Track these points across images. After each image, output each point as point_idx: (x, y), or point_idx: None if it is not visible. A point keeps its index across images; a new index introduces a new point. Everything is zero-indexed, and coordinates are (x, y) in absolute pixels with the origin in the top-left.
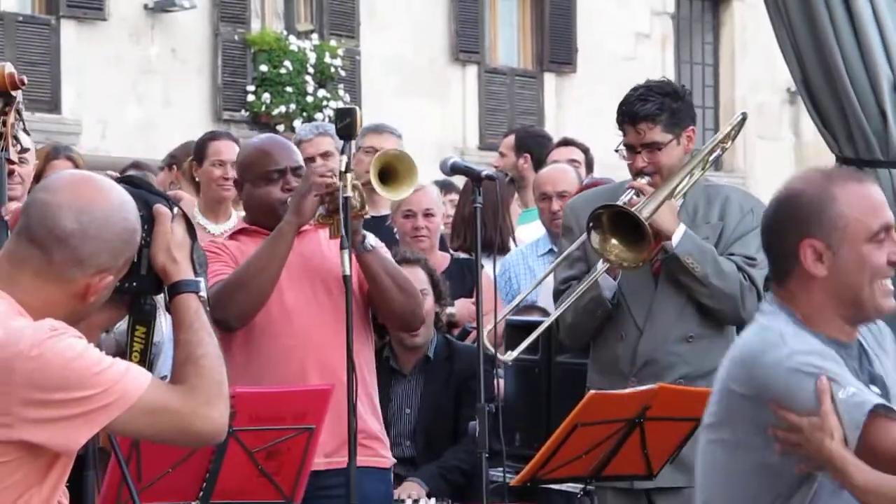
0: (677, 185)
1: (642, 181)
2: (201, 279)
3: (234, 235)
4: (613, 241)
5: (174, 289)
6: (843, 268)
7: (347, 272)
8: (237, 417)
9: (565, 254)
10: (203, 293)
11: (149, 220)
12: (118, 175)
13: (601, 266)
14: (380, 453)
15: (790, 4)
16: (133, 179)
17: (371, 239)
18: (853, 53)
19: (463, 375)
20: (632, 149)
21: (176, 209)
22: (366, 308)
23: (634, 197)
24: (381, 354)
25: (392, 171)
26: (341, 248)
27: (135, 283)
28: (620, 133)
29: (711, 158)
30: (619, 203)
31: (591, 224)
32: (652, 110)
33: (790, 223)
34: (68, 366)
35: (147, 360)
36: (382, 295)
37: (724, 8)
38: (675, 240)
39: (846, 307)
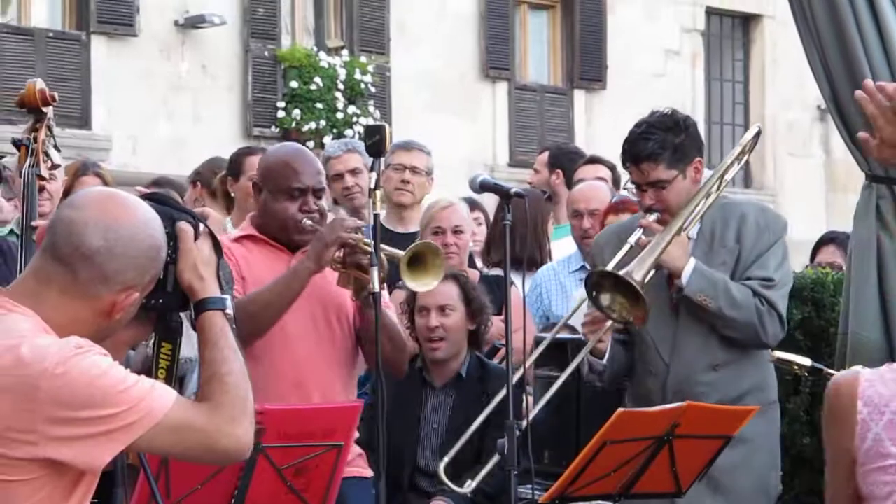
0: (685, 221)
1: (651, 219)
2: (227, 297)
3: (240, 240)
4: (620, 298)
5: (200, 306)
6: None
7: (376, 289)
8: (266, 434)
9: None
10: (229, 310)
11: (175, 238)
12: (144, 192)
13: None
14: (362, 465)
15: (820, 20)
16: (159, 196)
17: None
18: (883, 70)
19: (494, 395)
20: (639, 186)
21: (203, 226)
22: (354, 340)
23: (643, 237)
24: (414, 364)
25: (422, 259)
26: (370, 265)
27: (161, 301)
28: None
29: (728, 177)
30: (614, 266)
31: (593, 291)
32: (654, 149)
33: None
34: (93, 383)
35: (173, 378)
36: (372, 343)
37: (754, 25)
38: (685, 279)
39: None
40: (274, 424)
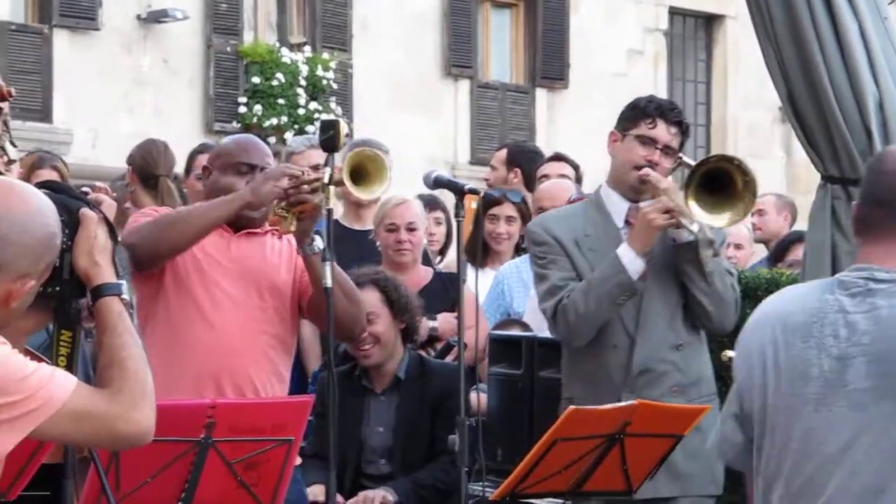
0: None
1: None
2: (123, 282)
3: None
4: (693, 203)
5: (97, 292)
6: None
7: (329, 284)
8: (216, 428)
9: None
10: (126, 296)
11: (70, 225)
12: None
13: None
14: None
15: (777, 22)
16: (54, 185)
17: (318, 241)
18: (839, 72)
19: (437, 394)
20: (652, 143)
21: (97, 212)
22: (293, 316)
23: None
24: (353, 375)
25: (363, 170)
26: (322, 259)
27: (58, 288)
28: (643, 130)
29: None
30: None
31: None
32: (682, 122)
33: None
34: None
35: (73, 365)
36: (324, 313)
37: (716, 26)
38: (695, 228)
39: None
40: (224, 418)
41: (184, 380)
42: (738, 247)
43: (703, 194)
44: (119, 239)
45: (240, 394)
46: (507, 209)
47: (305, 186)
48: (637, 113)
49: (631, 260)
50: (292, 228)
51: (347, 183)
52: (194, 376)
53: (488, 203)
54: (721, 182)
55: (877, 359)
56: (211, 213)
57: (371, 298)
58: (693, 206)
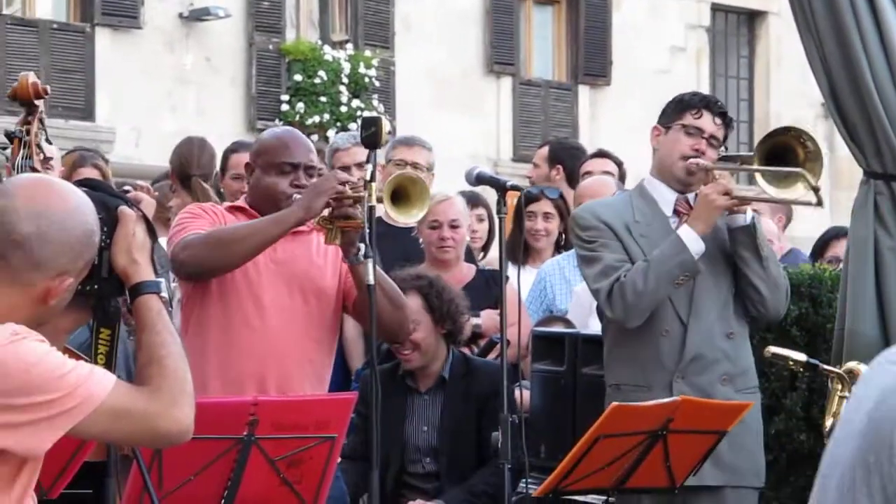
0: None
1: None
2: (162, 280)
3: (233, 210)
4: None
5: (135, 290)
6: None
7: (371, 281)
8: (259, 425)
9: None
10: (164, 294)
11: (108, 223)
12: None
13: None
14: None
15: (819, 18)
16: (92, 182)
17: (364, 250)
18: (882, 67)
19: (481, 393)
20: (699, 133)
21: (137, 210)
22: (335, 320)
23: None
24: (397, 374)
25: (404, 193)
26: (365, 256)
27: (97, 286)
28: (689, 120)
29: None
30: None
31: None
32: (725, 114)
33: None
34: (30, 370)
35: (112, 363)
36: (368, 310)
37: (759, 22)
38: (750, 214)
39: None
40: (267, 415)
41: (223, 382)
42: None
43: (768, 174)
44: (157, 239)
45: (280, 395)
46: (545, 206)
47: (349, 200)
48: (682, 105)
49: (694, 239)
50: (337, 242)
51: (387, 204)
52: (235, 379)
53: (526, 200)
54: (785, 157)
55: None
56: (264, 234)
57: (413, 305)
58: (763, 183)
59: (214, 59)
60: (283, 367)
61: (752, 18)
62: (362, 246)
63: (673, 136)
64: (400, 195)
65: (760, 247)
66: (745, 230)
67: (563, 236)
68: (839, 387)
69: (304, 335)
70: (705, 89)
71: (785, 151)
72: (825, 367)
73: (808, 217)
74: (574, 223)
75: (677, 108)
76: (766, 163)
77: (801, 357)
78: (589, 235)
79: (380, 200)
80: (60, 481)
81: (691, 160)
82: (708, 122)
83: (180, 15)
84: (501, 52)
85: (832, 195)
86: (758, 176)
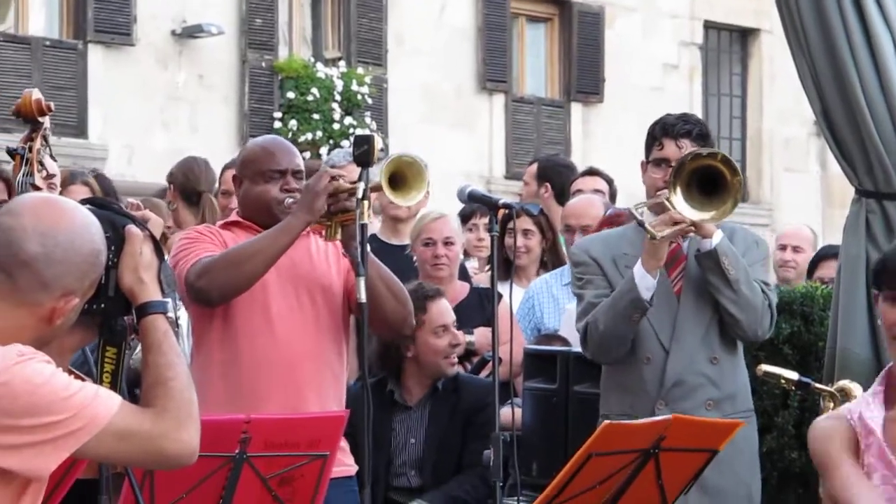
0: None
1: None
2: (169, 300)
3: (228, 226)
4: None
5: (142, 310)
6: None
7: (363, 299)
8: (251, 443)
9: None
10: (171, 314)
11: (115, 242)
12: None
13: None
14: (345, 462)
15: (811, 36)
16: (98, 201)
17: (358, 269)
18: (873, 86)
19: (469, 409)
20: (665, 162)
21: (143, 229)
22: (345, 316)
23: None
24: (385, 387)
25: (402, 177)
26: (357, 275)
27: (103, 305)
28: (654, 153)
29: None
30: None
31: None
32: (693, 130)
33: None
34: (36, 391)
35: (118, 383)
36: (376, 300)
37: (752, 39)
38: (716, 239)
39: None
40: (259, 433)
41: (243, 393)
42: (796, 249)
43: (695, 192)
44: (165, 258)
45: (302, 401)
46: (525, 223)
47: (344, 194)
48: (648, 139)
49: (642, 276)
50: (338, 237)
51: (385, 188)
52: (251, 390)
53: (507, 217)
54: (716, 181)
55: None
56: (274, 245)
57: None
58: (677, 199)
59: (207, 76)
60: (302, 373)
61: (745, 36)
62: (360, 296)
63: (650, 170)
64: (397, 179)
65: (727, 270)
66: (709, 255)
67: (547, 254)
68: (831, 405)
69: (318, 337)
70: (698, 107)
71: (717, 174)
72: (817, 385)
73: None
74: (568, 260)
75: (647, 143)
76: (697, 181)
77: (793, 375)
78: (578, 272)
79: (377, 189)
80: (53, 499)
81: (657, 195)
82: (671, 150)
83: (173, 32)
84: (494, 70)
85: (824, 213)
86: (674, 194)
